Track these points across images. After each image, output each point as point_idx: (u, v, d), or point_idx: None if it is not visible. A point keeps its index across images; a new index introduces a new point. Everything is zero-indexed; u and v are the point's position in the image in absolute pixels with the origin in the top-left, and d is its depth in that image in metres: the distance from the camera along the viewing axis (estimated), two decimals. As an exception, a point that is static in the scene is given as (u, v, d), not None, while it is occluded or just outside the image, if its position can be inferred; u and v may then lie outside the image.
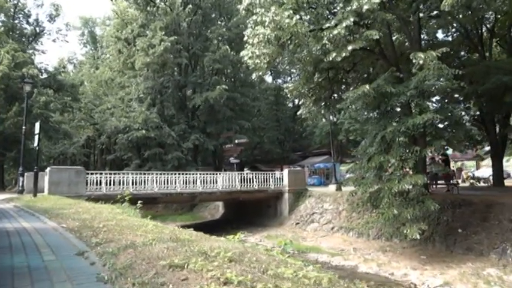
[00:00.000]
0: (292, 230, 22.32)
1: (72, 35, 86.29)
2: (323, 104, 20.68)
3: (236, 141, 33.40)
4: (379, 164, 14.47)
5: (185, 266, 2.79)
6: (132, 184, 19.28)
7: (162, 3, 32.63)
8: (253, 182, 23.50)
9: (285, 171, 24.86)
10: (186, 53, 32.01)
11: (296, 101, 54.10)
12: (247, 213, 26.35)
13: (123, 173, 19.57)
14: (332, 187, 24.67)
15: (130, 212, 9.31)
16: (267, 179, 24.11)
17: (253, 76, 17.84)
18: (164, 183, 20.22)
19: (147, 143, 32.43)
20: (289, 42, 15.95)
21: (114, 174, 19.12)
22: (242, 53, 16.33)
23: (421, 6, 18.22)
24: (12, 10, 31.35)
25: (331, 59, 15.02)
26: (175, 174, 20.87)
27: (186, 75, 34.52)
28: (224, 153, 35.62)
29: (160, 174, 20.43)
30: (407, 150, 14.36)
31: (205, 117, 35.32)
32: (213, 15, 36.43)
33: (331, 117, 27.11)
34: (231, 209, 28.93)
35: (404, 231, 13.31)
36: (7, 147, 28.69)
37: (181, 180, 20.80)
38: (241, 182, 23.03)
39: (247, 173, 23.97)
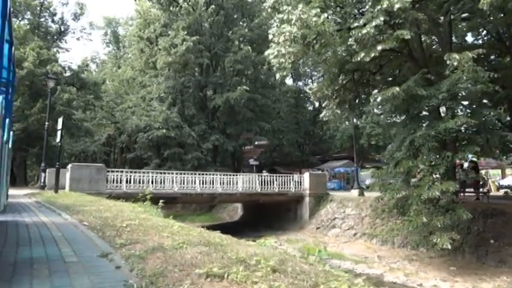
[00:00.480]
0: (313, 234, 21.82)
1: (96, 35, 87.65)
2: (347, 106, 20.15)
3: (256, 142, 33.08)
4: (407, 169, 13.91)
5: (225, 276, 2.44)
6: (152, 183, 19.12)
7: (185, 3, 32.60)
8: (273, 184, 23.08)
9: (306, 175, 24.36)
10: (207, 53, 31.90)
11: (316, 103, 53.59)
12: (267, 216, 25.95)
13: (143, 172, 19.43)
14: (354, 192, 24.07)
15: (152, 211, 9.04)
16: (287, 181, 23.66)
17: (277, 76, 17.46)
18: (184, 183, 20.01)
19: (167, 142, 32.37)
20: (314, 41, 15.55)
21: (134, 172, 19.00)
22: (267, 52, 15.99)
23: (452, 8, 17.56)
24: (38, 8, 31.87)
25: (359, 59, 14.52)
26: (195, 174, 20.65)
27: (207, 76, 34.40)
28: (243, 154, 35.33)
29: (180, 174, 20.22)
30: (437, 156, 13.77)
31: (225, 118, 35.11)
32: (235, 16, 36.26)
33: (354, 120, 26.42)
34: (250, 211, 28.58)
35: (434, 240, 12.71)
36: (30, 144, 29.03)
37: (201, 181, 20.55)
38: (261, 184, 22.64)
39: (267, 175, 23.57)
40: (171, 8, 34.19)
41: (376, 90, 21.22)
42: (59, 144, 13.67)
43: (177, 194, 19.71)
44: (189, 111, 32.62)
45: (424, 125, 14.86)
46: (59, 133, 13.35)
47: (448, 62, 12.78)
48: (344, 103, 20.68)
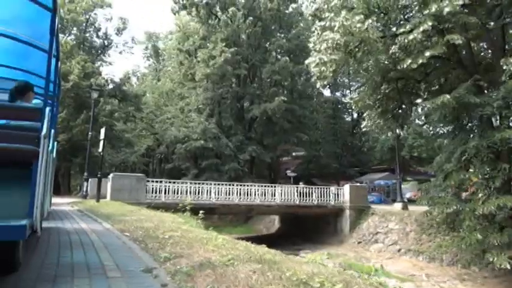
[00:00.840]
0: (354, 249, 20.99)
1: (137, 49, 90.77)
2: (390, 116, 19.37)
3: (294, 153, 32.68)
4: (459, 182, 13.05)
5: (289, 302, 2.09)
6: (190, 194, 19.09)
7: (224, 16, 32.96)
8: (312, 196, 22.51)
9: (346, 187, 23.62)
10: (245, 64, 31.98)
11: (355, 114, 52.57)
12: (305, 229, 25.32)
13: (182, 182, 19.47)
14: (397, 206, 23.05)
15: (192, 222, 8.84)
16: (326, 194, 23.03)
17: (317, 85, 17.11)
18: (222, 194, 19.86)
19: (205, 153, 32.53)
20: (357, 49, 15.09)
21: (173, 183, 19.06)
22: (308, 61, 15.66)
23: (504, 12, 16.57)
24: (84, 24, 33.25)
25: (405, 66, 13.92)
26: (233, 185, 20.47)
27: (244, 87, 34.46)
28: (280, 165, 34.98)
29: (218, 184, 20.10)
30: (492, 168, 12.83)
31: (262, 128, 34.93)
32: (273, 27, 36.25)
33: (397, 131, 25.37)
34: (287, 223, 28.03)
35: (490, 259, 11.76)
36: (74, 154, 30.01)
37: (238, 192, 20.33)
38: (299, 196, 22.13)
39: (306, 187, 23.04)
40: (210, 21, 34.68)
41: (419, 100, 20.39)
42: (101, 154, 13.86)
43: (215, 204, 19.57)
44: (227, 122, 32.69)
45: (474, 135, 13.97)
46: (101, 143, 13.55)
47: (504, 68, 11.92)
48: (386, 113, 19.91)
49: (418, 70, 18.00)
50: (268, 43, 34.57)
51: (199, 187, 19.48)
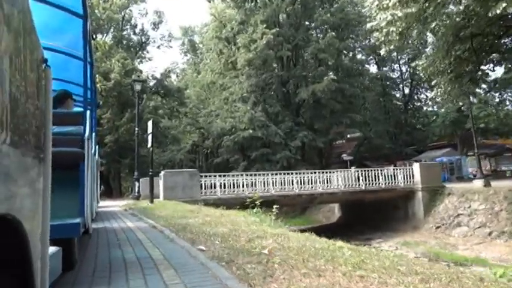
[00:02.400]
0: (433, 235, 18.69)
1: (174, 45, 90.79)
2: (468, 80, 16.79)
3: (348, 136, 30.45)
4: None
5: None
6: (247, 186, 17.62)
7: (261, -4, 31.08)
8: (378, 179, 20.37)
9: (416, 166, 21.22)
10: (288, 45, 29.94)
11: (406, 90, 49.16)
12: (370, 216, 23.17)
13: (237, 175, 17.99)
14: (477, 182, 20.36)
15: (267, 221, 7.20)
16: (394, 175, 20.80)
17: (382, 51, 14.92)
18: (280, 185, 18.22)
19: (253, 143, 31.03)
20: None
21: (228, 176, 17.64)
22: (369, 25, 13.56)
23: None
24: (120, 22, 32.57)
25: (498, 12, 11.43)
26: (291, 174, 18.76)
27: (288, 70, 32.48)
28: (333, 150, 32.87)
29: (276, 174, 18.46)
30: None
31: (311, 112, 32.84)
32: (314, 4, 33.84)
33: (471, 98, 22.56)
34: (349, 211, 25.98)
35: None
36: (122, 155, 29.48)
37: (298, 181, 18.60)
38: (364, 181, 20.06)
39: (371, 170, 20.89)
40: (246, 4, 32.87)
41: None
42: (151, 149, 12.57)
43: (274, 196, 17.91)
44: (274, 108, 30.90)
45: None
46: (149, 137, 12.23)
47: None
48: (461, 77, 17.36)
49: (496, 24, 15.43)
50: (309, 21, 32.36)
51: (254, 179, 17.93)
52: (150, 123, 12.33)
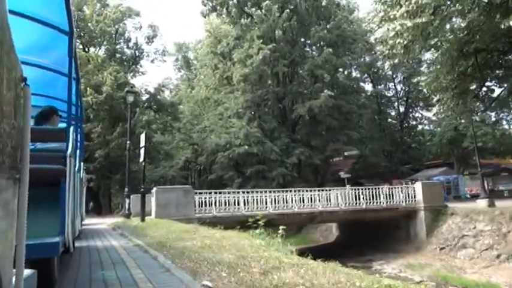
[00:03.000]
0: (437, 257, 17.88)
1: (168, 61, 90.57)
2: (473, 96, 16.31)
3: (346, 153, 29.83)
4: None
5: None
6: (244, 204, 16.77)
7: (258, 11, 30.73)
8: (379, 198, 19.64)
9: (418, 185, 20.55)
10: (284, 61, 29.48)
11: (401, 108, 48.96)
12: (369, 235, 22.32)
13: (233, 192, 17.13)
14: (481, 202, 19.69)
15: (274, 244, 6.40)
16: (395, 194, 20.09)
17: (386, 66, 14.43)
18: (279, 203, 17.39)
19: (248, 160, 30.25)
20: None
21: (223, 193, 16.77)
22: (376, 36, 13.06)
23: None
24: (113, 36, 31.97)
25: (504, 26, 10.98)
26: (290, 191, 17.94)
27: (284, 86, 31.99)
28: (330, 167, 32.19)
29: (273, 192, 17.64)
30: None
31: (307, 129, 32.25)
32: (310, 20, 33.65)
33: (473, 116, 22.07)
34: (348, 230, 25.11)
35: None
36: (113, 171, 28.47)
37: (297, 199, 17.79)
38: (365, 199, 19.31)
39: (372, 188, 20.18)
40: (242, 20, 32.56)
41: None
42: (143, 164, 11.71)
43: (272, 215, 17.05)
44: (270, 125, 30.23)
45: None
46: (142, 151, 11.39)
47: None
48: (465, 94, 16.90)
49: (500, 41, 15.09)
50: (305, 37, 32.11)
51: (252, 196, 17.08)
52: (142, 137, 11.51)
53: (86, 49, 30.17)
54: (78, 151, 6.03)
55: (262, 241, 6.42)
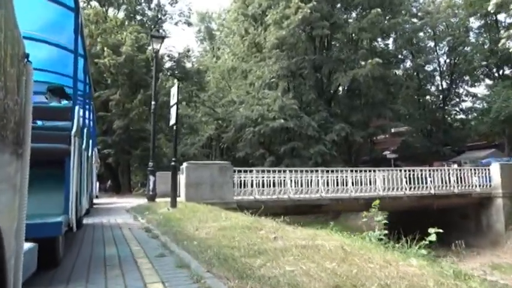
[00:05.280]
0: (525, 255, 14.60)
1: (190, 31, 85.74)
2: None
3: (393, 130, 26.35)
4: None
5: None
6: (292, 186, 13.71)
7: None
8: (449, 182, 16.31)
9: (495, 166, 17.10)
10: (325, 23, 25.77)
11: (444, 84, 44.57)
12: (424, 225, 18.96)
13: (278, 171, 13.99)
14: None
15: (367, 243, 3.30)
16: (467, 178, 16.72)
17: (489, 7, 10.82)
18: (331, 185, 14.25)
19: (281, 136, 27.12)
20: None
21: (266, 173, 13.69)
22: None
23: None
24: (133, -5, 28.86)
25: None
26: (346, 171, 14.74)
27: (322, 53, 28.39)
28: (374, 146, 28.85)
29: (328, 172, 14.43)
30: None
31: (347, 102, 28.76)
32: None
33: None
34: (399, 219, 21.62)
35: None
36: (132, 145, 25.69)
37: (354, 180, 14.62)
38: (434, 183, 16.01)
39: (440, 170, 16.86)
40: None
41: None
42: (174, 127, 8.65)
43: (325, 199, 13.98)
44: (307, 96, 26.82)
45: None
46: (173, 110, 8.27)
47: None
48: None
49: None
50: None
51: (300, 177, 13.95)
52: (174, 89, 8.40)
53: (104, 9, 27.07)
54: (85, 129, 5.77)
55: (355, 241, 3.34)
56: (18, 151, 1.39)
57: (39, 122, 3.87)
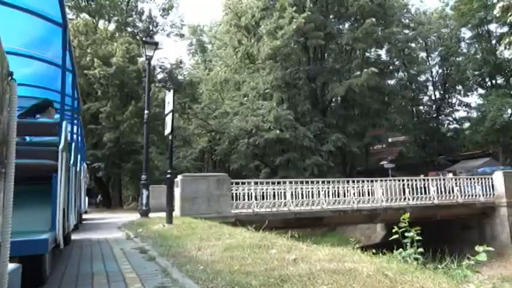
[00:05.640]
0: (534, 267, 14.10)
1: (182, 44, 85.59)
2: None
3: (390, 139, 25.95)
4: None
5: None
6: (291, 198, 13.09)
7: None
8: (452, 191, 15.84)
9: (498, 175, 16.69)
10: (319, 33, 25.49)
11: (437, 94, 44.53)
12: (428, 236, 18.44)
13: (277, 183, 13.38)
14: None
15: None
16: (470, 187, 16.27)
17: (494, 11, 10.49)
18: (334, 196, 13.67)
19: (276, 147, 26.56)
20: None
21: (265, 184, 13.07)
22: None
23: None
24: (124, 8, 28.31)
25: None
26: (347, 182, 14.19)
27: (316, 63, 28.08)
28: (371, 156, 28.41)
29: (328, 183, 13.85)
30: None
31: (341, 112, 28.38)
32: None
33: None
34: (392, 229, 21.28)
35: None
36: (123, 158, 24.92)
37: (355, 191, 14.06)
38: (437, 192, 15.52)
39: (445, 180, 16.39)
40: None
41: None
42: (170, 136, 8.04)
43: (326, 211, 13.39)
44: (302, 107, 26.37)
45: None
46: (169, 118, 7.68)
47: None
48: None
49: None
50: (339, 7, 28.12)
51: (300, 188, 13.35)
52: (170, 96, 7.82)
53: (94, 19, 26.48)
54: (73, 144, 5.69)
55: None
56: (1, 170, 1.36)
57: (27, 138, 3.83)
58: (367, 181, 14.62)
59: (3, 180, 1.41)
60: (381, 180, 14.88)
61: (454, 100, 44.73)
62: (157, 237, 5.84)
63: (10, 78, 1.50)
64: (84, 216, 14.56)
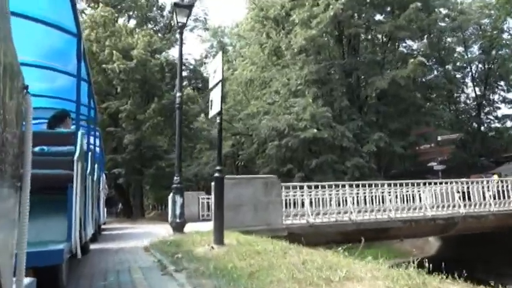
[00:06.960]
0: None
1: (202, 47, 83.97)
2: None
3: (439, 138, 23.22)
4: None
5: None
6: (352, 205, 10.64)
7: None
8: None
9: None
10: (359, 21, 23.07)
11: (477, 90, 41.33)
12: (485, 251, 15.68)
13: (335, 186, 10.93)
14: None
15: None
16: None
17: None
18: (403, 203, 11.16)
19: (312, 148, 24.17)
20: None
21: (322, 189, 10.65)
22: None
23: None
24: (145, 2, 26.56)
25: None
26: (418, 185, 11.63)
27: (353, 56, 25.60)
28: (419, 156, 25.70)
29: (396, 186, 11.34)
30: None
31: (382, 109, 25.78)
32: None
33: None
34: (453, 241, 18.47)
35: None
36: (144, 163, 22.90)
37: (429, 195, 11.51)
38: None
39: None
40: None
41: None
42: (218, 119, 5.76)
43: (394, 221, 10.86)
44: (340, 103, 23.90)
45: None
46: (216, 91, 5.43)
47: None
48: None
49: None
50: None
51: (363, 193, 10.88)
52: (218, 59, 5.60)
53: (112, 11, 24.67)
54: (90, 153, 5.61)
55: None
56: (17, 184, 1.37)
57: (45, 148, 3.82)
58: (440, 183, 12.04)
59: (19, 194, 1.40)
60: (456, 183, 12.25)
61: (496, 97, 41.49)
62: (213, 273, 3.50)
63: (25, 91, 1.51)
64: (103, 226, 13.14)
